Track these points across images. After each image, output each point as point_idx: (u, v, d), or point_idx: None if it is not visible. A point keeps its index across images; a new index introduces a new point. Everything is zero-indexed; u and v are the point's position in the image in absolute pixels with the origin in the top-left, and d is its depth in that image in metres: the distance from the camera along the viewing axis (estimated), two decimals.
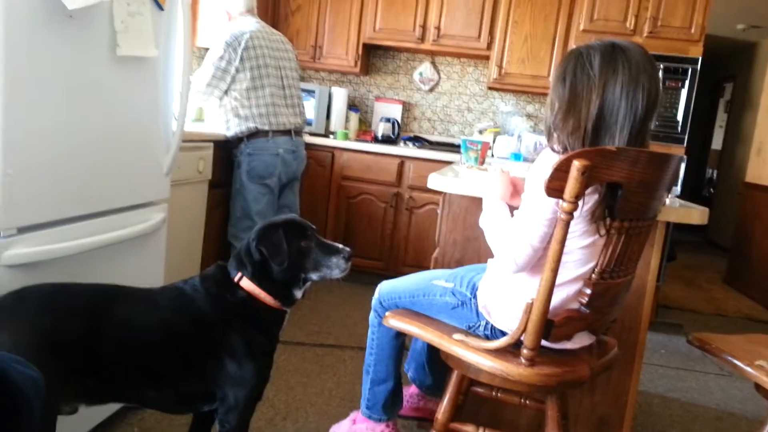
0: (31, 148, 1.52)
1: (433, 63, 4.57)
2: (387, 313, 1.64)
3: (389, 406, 1.86)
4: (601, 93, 1.35)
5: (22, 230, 1.52)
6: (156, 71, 2.00)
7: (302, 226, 1.57)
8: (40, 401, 0.71)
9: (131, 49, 1.81)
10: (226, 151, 3.09)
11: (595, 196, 1.31)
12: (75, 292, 1.43)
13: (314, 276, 1.56)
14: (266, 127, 2.98)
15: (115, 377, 1.42)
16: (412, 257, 3.95)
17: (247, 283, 1.51)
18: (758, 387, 1.41)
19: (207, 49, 4.02)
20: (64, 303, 1.38)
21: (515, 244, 1.38)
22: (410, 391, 2.14)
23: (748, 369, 1.40)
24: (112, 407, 1.97)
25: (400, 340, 1.83)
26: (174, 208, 2.37)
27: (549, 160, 1.36)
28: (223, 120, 3.03)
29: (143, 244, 2.05)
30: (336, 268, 1.55)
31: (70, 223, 1.69)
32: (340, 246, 1.58)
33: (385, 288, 1.77)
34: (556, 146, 1.40)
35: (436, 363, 1.84)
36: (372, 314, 1.82)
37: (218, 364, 1.46)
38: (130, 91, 1.89)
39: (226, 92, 2.98)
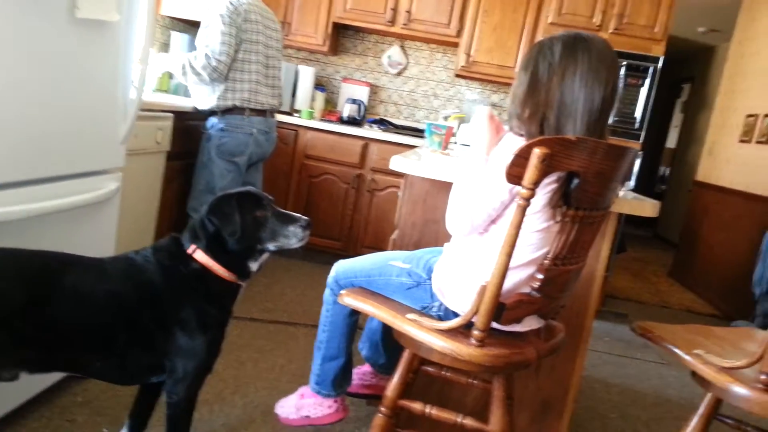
0: None
1: (402, 47, 4.56)
2: (342, 291, 1.65)
3: (338, 383, 1.88)
4: (560, 81, 1.38)
5: None
6: (117, 36, 1.94)
7: (257, 196, 1.56)
8: None
9: (91, 12, 1.75)
10: (188, 122, 3.02)
11: (554, 184, 1.34)
12: (19, 258, 1.37)
13: (271, 246, 1.54)
14: (245, 105, 2.92)
15: (59, 346, 1.38)
16: (371, 239, 3.97)
17: (200, 255, 1.49)
18: (694, 374, 1.47)
19: (172, 19, 3.93)
20: (10, 269, 1.33)
21: (468, 211, 1.42)
22: (363, 369, 2.16)
23: (686, 357, 1.46)
24: (55, 376, 1.93)
25: (354, 318, 1.85)
26: (129, 178, 2.31)
27: (511, 143, 1.39)
28: (198, 91, 2.94)
29: (95, 213, 2.00)
30: (294, 237, 1.54)
31: (20, 186, 1.63)
32: (298, 215, 1.57)
33: (342, 267, 1.78)
34: (516, 131, 1.42)
35: (390, 342, 1.86)
36: (327, 291, 1.83)
37: (168, 336, 1.45)
38: (88, 55, 1.82)
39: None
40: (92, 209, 1.97)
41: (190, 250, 1.50)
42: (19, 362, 1.35)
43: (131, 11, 1.99)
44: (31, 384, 1.81)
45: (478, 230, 1.45)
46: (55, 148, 1.76)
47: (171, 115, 2.86)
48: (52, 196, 1.74)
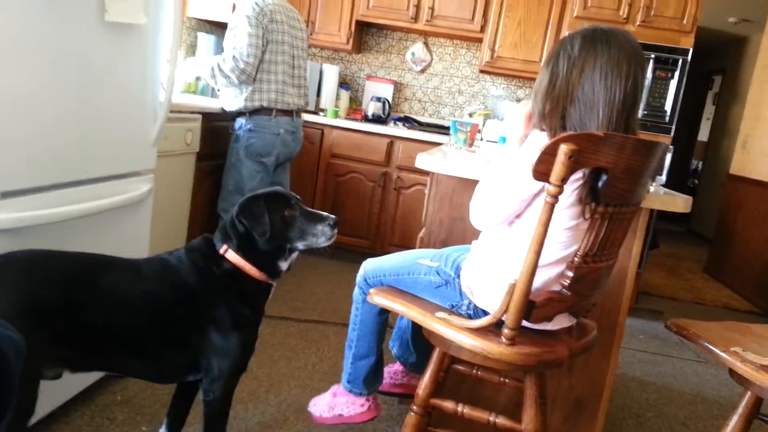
0: (16, 113, 1.50)
1: (426, 44, 4.54)
2: (371, 290, 1.65)
3: (370, 381, 1.89)
4: (579, 74, 1.38)
5: (6, 195, 1.51)
6: (145, 39, 1.98)
7: (285, 196, 1.58)
8: (21, 363, 0.71)
9: (120, 15, 1.78)
10: (216, 123, 3.07)
11: (581, 180, 1.32)
12: (59, 260, 1.42)
13: (300, 245, 1.56)
14: (272, 105, 2.95)
15: (98, 346, 1.42)
16: (399, 237, 3.97)
17: (232, 256, 1.51)
18: (732, 372, 1.44)
19: (198, 21, 3.98)
20: (48, 271, 1.37)
21: (493, 205, 1.44)
22: (394, 368, 2.17)
23: (724, 355, 1.43)
24: (96, 375, 1.98)
25: (384, 317, 1.85)
26: (160, 180, 2.35)
27: (536, 140, 1.39)
28: (226, 92, 2.98)
29: (129, 214, 2.04)
30: (322, 235, 1.56)
31: (55, 189, 1.68)
32: (325, 214, 1.58)
33: (371, 265, 1.78)
34: (539, 127, 1.42)
35: (420, 341, 1.86)
36: (356, 291, 1.84)
37: (203, 335, 1.47)
38: (117, 58, 1.86)
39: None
40: (126, 211, 2.01)
41: (221, 251, 1.52)
42: (60, 361, 1.39)
43: (158, 14, 2.02)
44: (73, 383, 1.86)
45: (500, 224, 1.45)
46: (89, 151, 1.80)
47: (199, 116, 2.90)
48: (87, 199, 1.78)
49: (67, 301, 1.35)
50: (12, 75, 1.46)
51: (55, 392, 1.75)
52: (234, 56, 2.81)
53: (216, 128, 3.07)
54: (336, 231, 1.58)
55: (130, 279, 1.45)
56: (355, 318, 1.86)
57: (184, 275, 1.49)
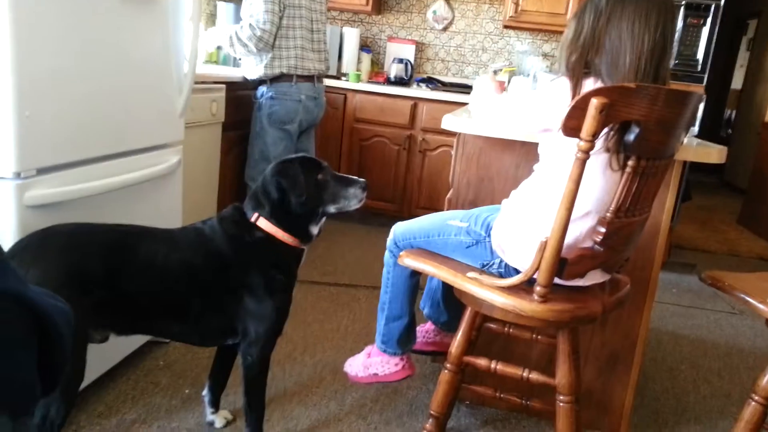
0: (46, 90, 1.52)
1: (447, 1, 4.44)
2: (402, 253, 1.66)
3: (403, 342, 1.92)
4: (606, 24, 1.37)
5: (41, 171, 1.55)
6: (165, 12, 1.98)
7: (316, 161, 1.61)
8: (71, 331, 0.74)
9: None
10: (239, 92, 3.07)
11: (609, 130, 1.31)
12: (98, 232, 1.47)
13: (332, 208, 1.59)
14: (292, 72, 2.94)
15: (139, 312, 1.48)
16: (425, 199, 3.97)
17: (264, 223, 1.54)
18: None
19: None
20: (88, 243, 1.42)
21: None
22: (426, 327, 2.19)
23: (760, 306, 1.42)
24: (139, 341, 2.06)
25: (415, 279, 1.87)
26: (188, 151, 2.38)
27: (558, 85, 1.43)
28: (247, 61, 2.98)
29: (160, 186, 2.07)
30: (354, 198, 1.59)
31: (87, 164, 1.72)
32: (355, 177, 1.62)
33: (400, 228, 1.79)
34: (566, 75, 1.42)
35: (451, 300, 1.88)
36: (387, 254, 1.85)
37: (239, 301, 1.51)
38: (140, 33, 1.87)
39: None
40: (157, 183, 2.04)
41: (253, 219, 1.54)
42: (106, 326, 1.46)
43: None
44: (118, 350, 1.93)
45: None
46: (118, 125, 1.83)
47: (223, 86, 2.91)
48: (119, 172, 1.82)
49: (108, 271, 1.40)
50: (39, 55, 1.49)
51: (100, 359, 1.82)
52: (251, 24, 2.79)
53: (240, 97, 3.08)
54: (366, 193, 1.61)
55: (166, 248, 1.49)
56: (387, 281, 1.88)
57: (218, 244, 1.52)
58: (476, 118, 1.80)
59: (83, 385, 1.49)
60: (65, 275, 1.34)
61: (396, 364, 1.92)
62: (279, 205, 1.54)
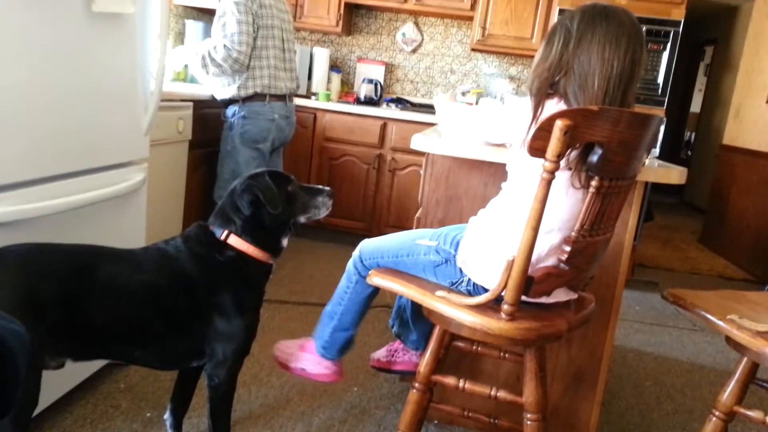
0: (5, 106, 1.48)
1: (416, 23, 4.51)
2: (371, 272, 1.66)
3: (344, 350, 1.90)
4: (576, 49, 1.40)
5: (0, 188, 1.50)
6: (133, 28, 1.96)
7: (284, 174, 1.64)
8: (26, 354, 0.72)
9: (107, 5, 1.76)
10: (207, 110, 3.05)
11: (574, 151, 1.34)
12: (55, 253, 1.40)
13: (302, 218, 1.63)
14: (266, 91, 2.92)
15: (99, 337, 1.42)
16: (395, 218, 3.98)
17: (235, 240, 1.52)
18: (729, 340, 1.46)
19: (185, 8, 3.94)
20: (44, 264, 1.35)
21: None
22: (394, 346, 2.17)
23: (720, 323, 1.45)
24: (98, 364, 1.99)
25: (373, 297, 1.85)
26: (154, 169, 2.34)
27: (523, 105, 1.45)
28: (216, 81, 2.94)
29: (123, 205, 2.03)
30: (323, 206, 1.66)
31: (48, 182, 1.67)
32: (321, 186, 1.68)
33: (367, 246, 1.78)
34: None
35: (419, 318, 1.87)
36: (350, 268, 1.82)
37: (208, 322, 1.48)
38: (106, 49, 1.84)
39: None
40: (121, 201, 2.00)
41: (222, 236, 1.52)
42: (62, 351, 1.40)
43: (145, 2, 2.00)
44: (76, 373, 1.87)
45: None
46: (81, 142, 1.79)
47: (190, 104, 2.88)
48: (81, 190, 1.78)
49: (64, 294, 1.34)
50: (1, 71, 1.45)
51: (57, 382, 1.76)
52: (225, 45, 2.77)
53: (207, 115, 3.06)
54: (332, 201, 1.68)
55: (128, 269, 1.45)
56: (344, 293, 1.85)
57: (183, 264, 1.49)
58: (445, 133, 1.84)
59: (38, 410, 1.43)
60: (19, 298, 1.27)
61: (327, 368, 1.89)
62: (251, 220, 1.53)
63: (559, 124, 1.23)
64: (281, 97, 3.01)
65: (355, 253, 1.80)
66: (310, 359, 1.90)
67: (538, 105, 1.42)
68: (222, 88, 2.94)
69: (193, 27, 3.82)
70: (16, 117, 1.52)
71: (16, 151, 1.54)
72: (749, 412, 1.48)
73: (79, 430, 1.77)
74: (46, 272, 1.34)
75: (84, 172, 1.82)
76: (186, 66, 3.57)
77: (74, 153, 1.77)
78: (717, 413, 1.52)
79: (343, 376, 1.94)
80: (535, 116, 1.41)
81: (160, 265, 1.48)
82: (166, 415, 1.73)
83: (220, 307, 1.48)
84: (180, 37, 3.93)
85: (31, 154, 1.59)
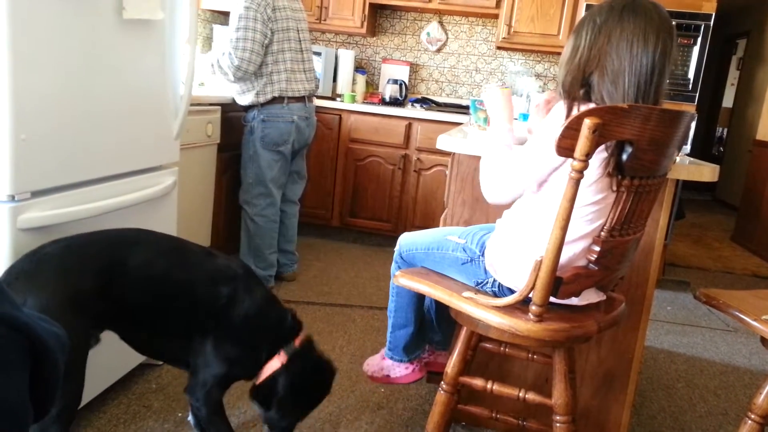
0: (42, 112, 1.53)
1: (441, 22, 4.50)
2: (397, 273, 1.66)
3: (410, 349, 1.93)
4: (605, 44, 1.37)
5: (35, 194, 1.55)
6: (162, 34, 1.99)
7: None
8: (64, 356, 0.74)
9: (137, 12, 1.80)
10: (234, 114, 3.08)
11: (604, 153, 1.31)
12: (91, 243, 1.48)
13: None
14: (284, 94, 2.93)
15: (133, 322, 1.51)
16: (420, 219, 3.97)
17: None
18: (764, 341, 1.43)
19: (213, 12, 3.99)
20: (82, 259, 1.43)
21: (515, 178, 1.45)
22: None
23: (755, 323, 1.42)
24: (131, 364, 2.03)
25: None
26: (184, 172, 2.38)
27: (559, 111, 1.39)
28: (236, 86, 2.95)
29: (155, 207, 2.07)
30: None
31: (82, 186, 1.72)
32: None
33: (405, 240, 1.80)
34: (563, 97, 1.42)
35: (444, 319, 1.88)
36: (393, 264, 1.86)
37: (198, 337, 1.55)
38: (137, 55, 1.88)
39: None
40: (152, 204, 2.04)
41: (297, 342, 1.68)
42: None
43: (174, 8, 2.04)
44: (109, 372, 1.91)
45: (518, 197, 1.49)
46: (114, 147, 1.83)
47: (218, 107, 2.92)
48: (114, 194, 1.82)
49: (103, 286, 1.42)
50: (36, 77, 1.49)
51: (92, 382, 1.80)
52: (229, 53, 2.76)
53: (234, 118, 3.10)
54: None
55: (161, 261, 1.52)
56: (392, 290, 1.89)
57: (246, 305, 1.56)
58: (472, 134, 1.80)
59: None
60: (59, 299, 1.33)
61: (406, 368, 1.95)
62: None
63: (587, 122, 1.21)
64: (300, 99, 3.01)
65: (396, 247, 1.83)
66: (389, 364, 1.96)
67: (571, 107, 1.39)
68: (241, 95, 2.95)
69: (221, 32, 3.87)
70: (52, 125, 1.57)
71: (52, 158, 1.59)
72: None
73: (113, 430, 1.81)
74: (84, 268, 1.40)
75: (117, 177, 1.87)
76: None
77: (107, 158, 1.81)
78: (753, 416, 1.49)
79: (423, 373, 1.99)
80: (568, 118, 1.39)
81: (211, 277, 1.54)
82: (190, 417, 1.76)
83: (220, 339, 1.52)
84: (208, 41, 3.99)
85: (66, 160, 1.64)
